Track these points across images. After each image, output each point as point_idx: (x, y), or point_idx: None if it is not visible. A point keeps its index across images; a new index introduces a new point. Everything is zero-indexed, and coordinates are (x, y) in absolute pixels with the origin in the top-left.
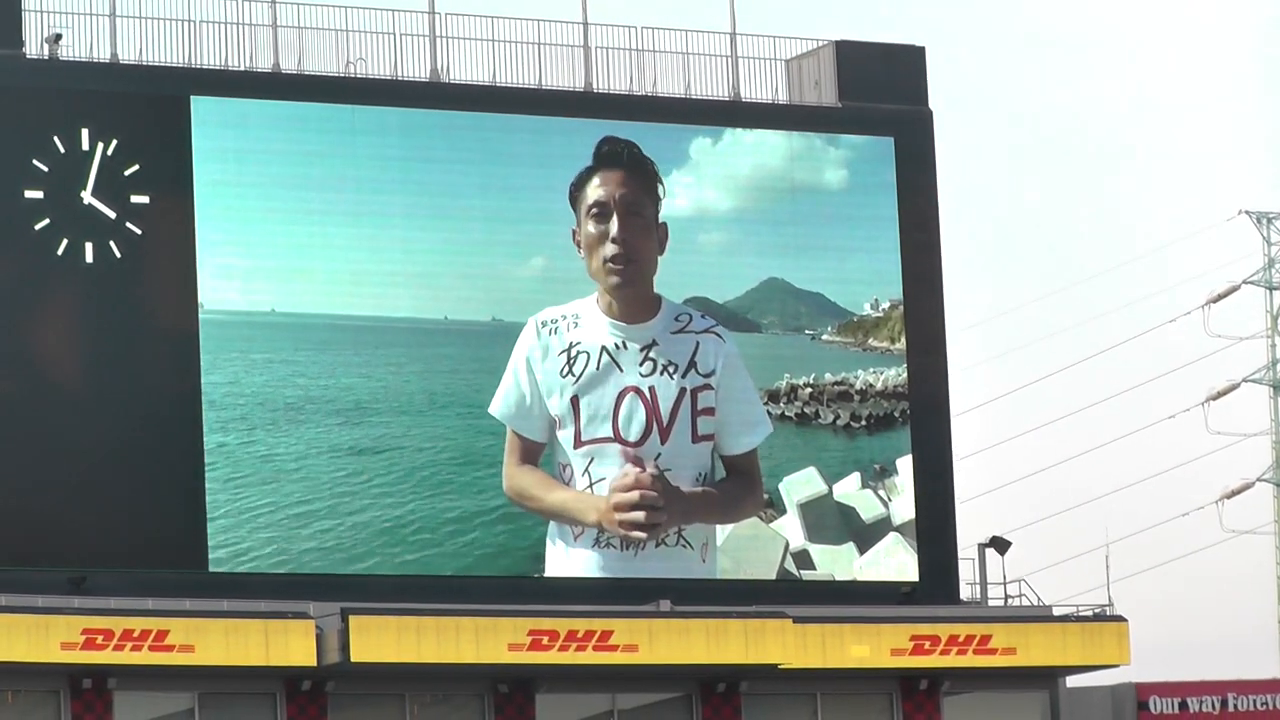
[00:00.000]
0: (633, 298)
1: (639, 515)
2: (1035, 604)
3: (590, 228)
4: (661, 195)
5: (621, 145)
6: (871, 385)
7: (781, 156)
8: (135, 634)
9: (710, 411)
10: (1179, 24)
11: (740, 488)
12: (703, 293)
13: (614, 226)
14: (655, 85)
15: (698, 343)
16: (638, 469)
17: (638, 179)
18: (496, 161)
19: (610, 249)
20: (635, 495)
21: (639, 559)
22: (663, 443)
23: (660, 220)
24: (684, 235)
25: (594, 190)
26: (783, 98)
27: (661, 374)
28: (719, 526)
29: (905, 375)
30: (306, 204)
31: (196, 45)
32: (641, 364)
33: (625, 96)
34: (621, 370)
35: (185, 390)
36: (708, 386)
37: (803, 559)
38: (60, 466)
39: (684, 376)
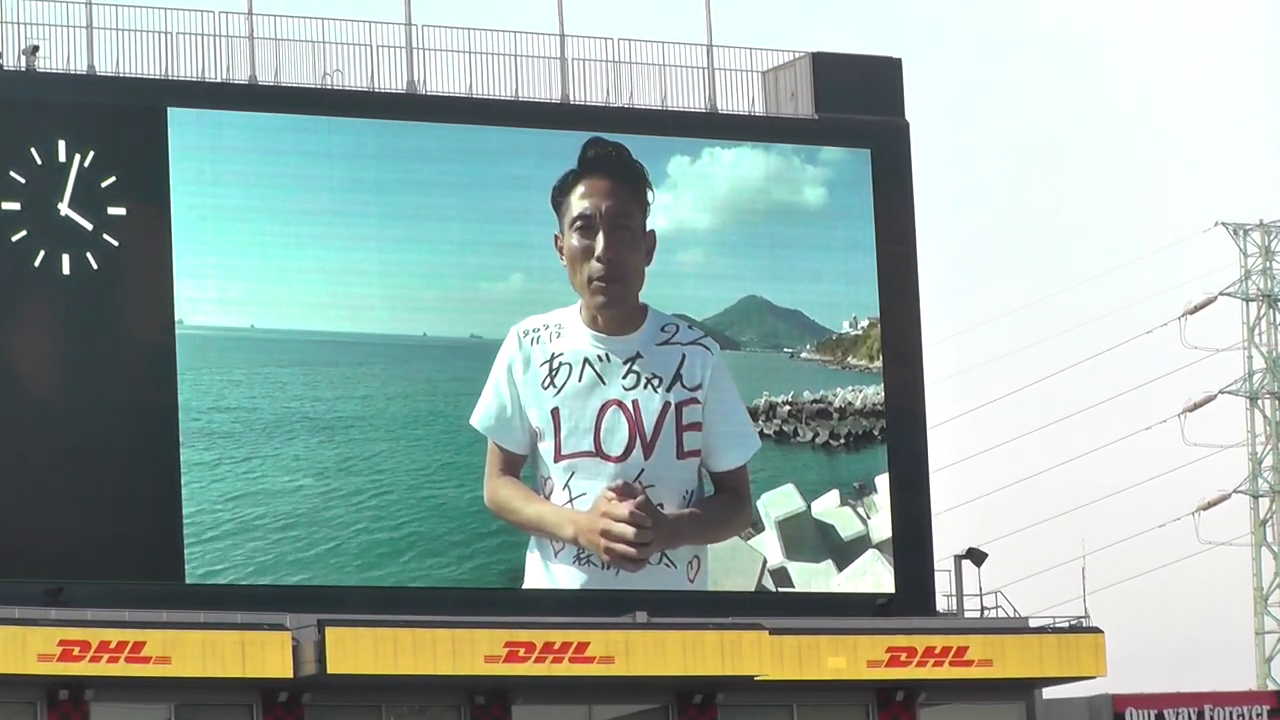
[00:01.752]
0: (617, 310)
1: (629, 550)
2: (1011, 615)
3: (574, 240)
4: (650, 201)
5: (610, 148)
6: (850, 403)
7: (759, 175)
8: (112, 645)
9: (697, 426)
10: (1156, 38)
11: (728, 505)
12: (681, 309)
13: (600, 244)
14: (632, 97)
15: (684, 354)
16: (630, 500)
17: (625, 187)
18: (473, 173)
19: (596, 268)
20: (630, 531)
21: (621, 576)
22: (645, 458)
23: (648, 228)
24: (663, 253)
25: (579, 201)
26: (759, 109)
27: (645, 387)
28: (710, 546)
29: (883, 393)
30: (284, 214)
31: (173, 57)
32: (625, 376)
33: (602, 108)
34: (604, 383)
35: (162, 403)
36: (694, 400)
37: (781, 576)
38: (37, 478)
39: (669, 390)
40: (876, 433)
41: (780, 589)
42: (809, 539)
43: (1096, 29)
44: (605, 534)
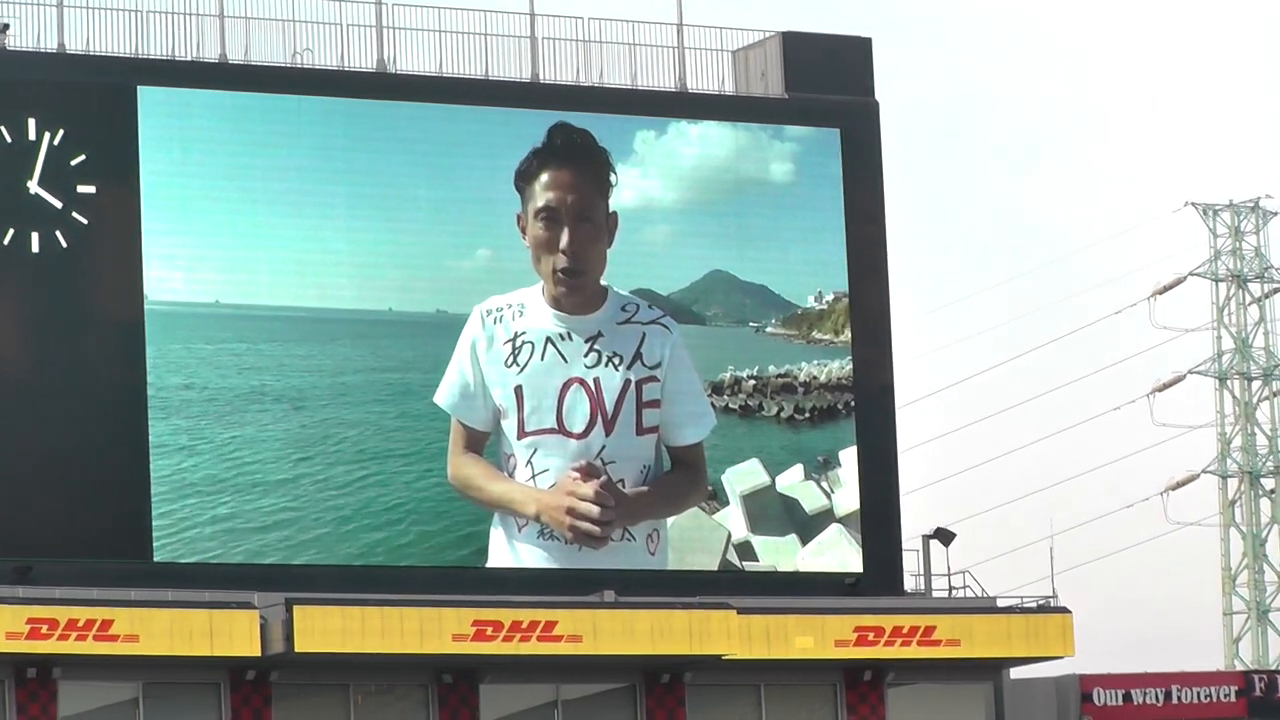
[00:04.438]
0: (579, 293)
1: (594, 529)
2: (979, 596)
3: (539, 230)
4: (613, 184)
5: (575, 135)
6: (815, 377)
7: (727, 149)
8: (80, 624)
9: (655, 404)
10: (1126, 20)
11: (685, 480)
12: (647, 285)
13: (564, 238)
14: (602, 76)
15: (644, 334)
16: (594, 480)
17: (588, 175)
18: (442, 152)
19: (560, 260)
20: (595, 510)
21: (584, 552)
22: (607, 435)
23: (611, 210)
24: (629, 228)
25: (543, 191)
26: (729, 89)
27: (606, 365)
28: (669, 519)
29: (849, 368)
30: (252, 194)
31: (143, 35)
32: (586, 355)
33: (572, 87)
34: (566, 361)
35: (130, 381)
36: (653, 379)
37: (745, 550)
38: (4, 456)
39: (629, 368)
40: (841, 407)
41: (745, 563)
42: (773, 513)
43: (1066, 10)
44: (571, 511)
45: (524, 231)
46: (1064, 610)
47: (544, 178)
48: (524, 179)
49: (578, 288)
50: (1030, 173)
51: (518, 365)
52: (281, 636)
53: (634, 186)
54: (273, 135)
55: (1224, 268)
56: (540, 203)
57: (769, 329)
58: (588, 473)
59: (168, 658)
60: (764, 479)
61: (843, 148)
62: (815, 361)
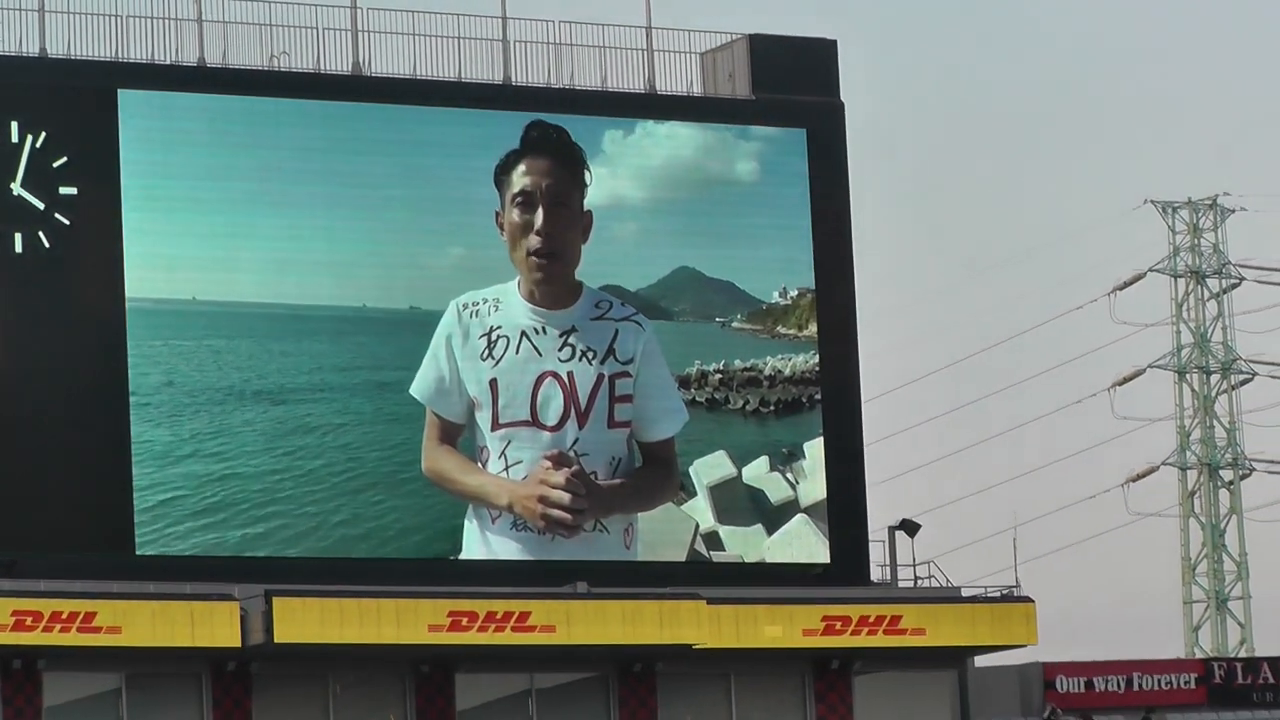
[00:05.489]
0: (554, 285)
1: (565, 517)
2: (944, 585)
3: (515, 216)
4: (587, 182)
5: (551, 130)
6: (780, 371)
7: (695, 149)
8: (64, 616)
9: (628, 399)
10: (1087, 18)
11: (657, 475)
12: (616, 281)
13: (539, 219)
14: (573, 78)
15: (617, 330)
16: (566, 468)
17: (565, 167)
18: (417, 153)
19: (534, 241)
20: (566, 498)
21: (556, 543)
22: (580, 428)
23: (585, 208)
24: (599, 225)
25: (520, 178)
26: (697, 90)
27: (580, 360)
28: (639, 514)
29: (813, 361)
30: (231, 195)
31: (124, 39)
32: (560, 349)
33: (543, 89)
34: (540, 355)
35: (112, 378)
36: (625, 374)
37: (712, 540)
38: None
39: (602, 363)
40: (805, 400)
41: (713, 552)
42: (740, 503)
43: (1027, 12)
44: (542, 500)
45: (502, 228)
46: (1027, 599)
47: (521, 166)
48: (502, 172)
49: (553, 274)
50: (992, 171)
51: (493, 358)
52: (261, 628)
53: (604, 185)
54: (250, 137)
55: (1183, 264)
56: (517, 188)
57: (735, 324)
58: (559, 461)
59: (150, 649)
60: (730, 470)
61: (808, 147)
62: (780, 356)
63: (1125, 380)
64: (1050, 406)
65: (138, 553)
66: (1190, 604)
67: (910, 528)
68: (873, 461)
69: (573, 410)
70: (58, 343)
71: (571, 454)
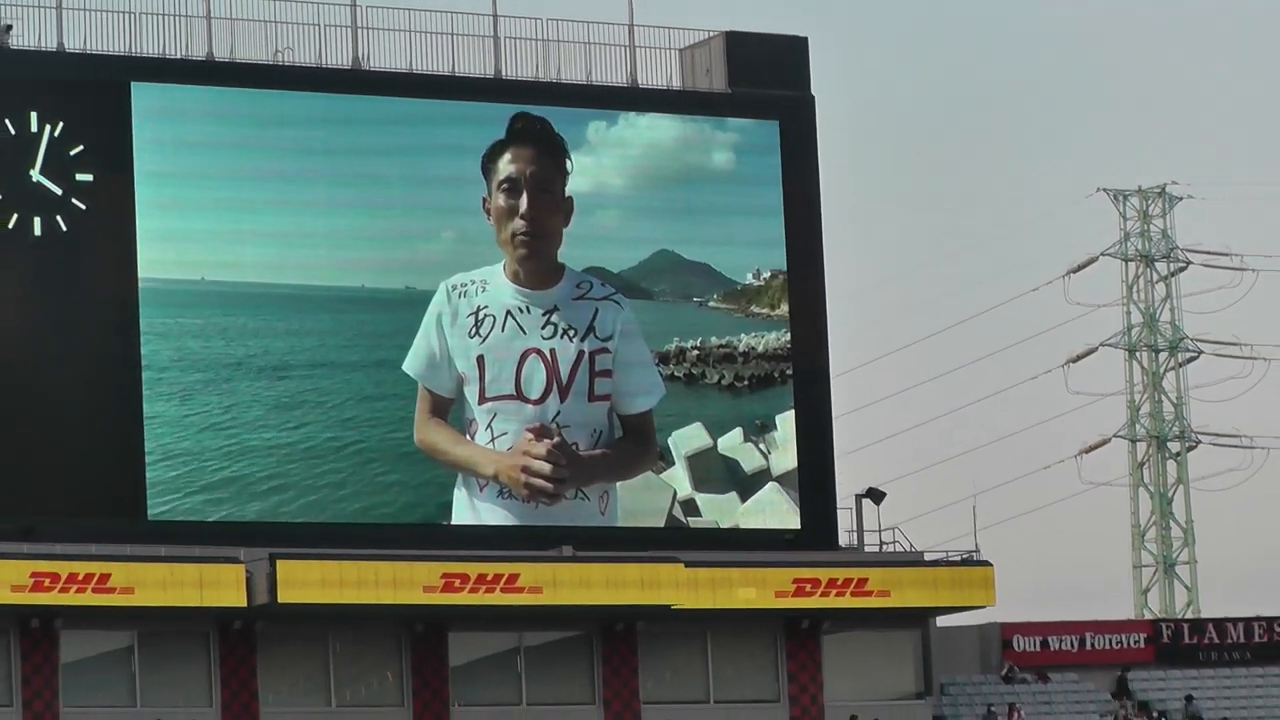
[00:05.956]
0: (537, 267)
1: (547, 485)
2: (908, 550)
3: (501, 201)
4: (569, 170)
5: (535, 122)
6: (753, 348)
7: (673, 139)
8: (80, 577)
9: (607, 374)
10: (1043, 20)
11: (636, 445)
12: (600, 263)
13: (524, 203)
14: (559, 72)
15: (597, 309)
16: (548, 439)
17: (548, 155)
18: (412, 143)
19: (519, 224)
20: (547, 468)
21: (541, 509)
22: (561, 401)
23: (567, 194)
24: (582, 212)
25: (506, 165)
26: (676, 84)
27: (562, 337)
28: (619, 483)
29: (784, 339)
30: (237, 182)
31: (136, 35)
32: (543, 328)
33: (531, 82)
34: (524, 333)
35: (125, 353)
36: (605, 350)
37: (690, 507)
38: (10, 424)
39: (583, 340)
40: (777, 375)
41: (690, 518)
42: (715, 472)
43: (986, 14)
44: (525, 470)
45: (488, 213)
46: (986, 564)
47: (507, 155)
48: (489, 160)
49: (536, 253)
50: (955, 162)
51: (480, 336)
52: (266, 589)
53: (587, 173)
54: (256, 127)
55: (1133, 248)
56: (502, 175)
57: (711, 304)
58: (541, 433)
59: (161, 608)
60: (707, 441)
61: (781, 138)
62: (754, 333)
63: (1079, 358)
64: (1008, 382)
65: (149, 518)
66: (1140, 568)
67: (876, 496)
68: (841, 433)
69: (555, 385)
70: (74, 320)
71: (553, 426)
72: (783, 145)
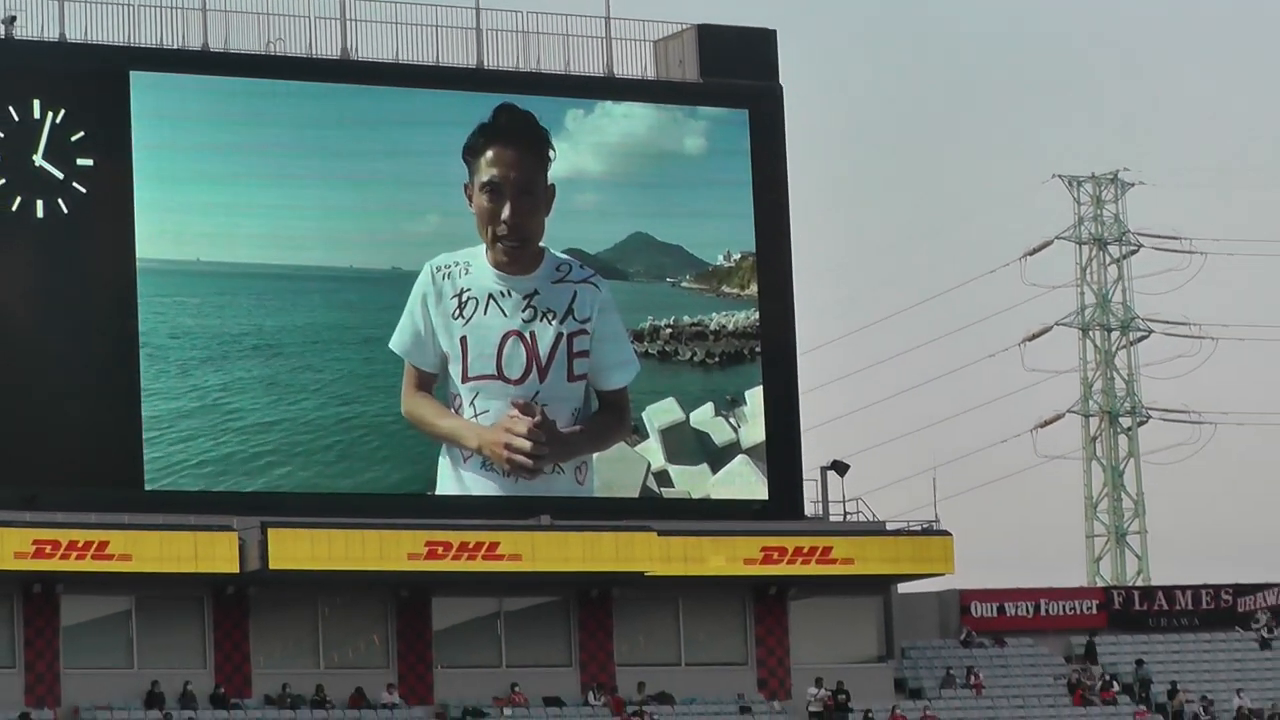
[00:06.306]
0: (518, 258)
1: (527, 462)
2: (871, 520)
3: (484, 201)
4: (551, 158)
5: (519, 115)
6: (724, 326)
7: (647, 126)
8: (80, 545)
9: (585, 354)
10: (999, 14)
11: (612, 418)
12: (577, 245)
13: (506, 210)
14: (538, 62)
15: (575, 292)
16: (529, 417)
17: (531, 152)
18: (398, 129)
19: (502, 229)
20: (528, 445)
21: (521, 482)
22: (541, 381)
23: (549, 183)
24: (561, 195)
25: (488, 166)
26: (651, 74)
27: (541, 320)
28: (595, 454)
29: (754, 318)
30: (232, 166)
31: (135, 26)
32: (524, 310)
33: (512, 72)
34: (506, 315)
35: (124, 331)
36: (583, 331)
37: (663, 478)
38: (13, 398)
39: (562, 322)
40: (746, 352)
41: (663, 489)
42: (687, 445)
43: (945, 8)
44: (507, 446)
45: (470, 200)
46: (945, 533)
47: (489, 154)
48: (471, 153)
49: (517, 253)
50: (916, 149)
51: (463, 318)
52: (257, 556)
53: (566, 159)
54: (249, 114)
55: (1086, 232)
56: (485, 177)
57: (684, 284)
58: (524, 410)
59: (157, 574)
60: (679, 415)
61: (750, 127)
62: (724, 312)
63: (1034, 336)
64: (967, 359)
65: (146, 488)
66: (1092, 538)
67: (840, 468)
68: (807, 408)
69: (534, 366)
70: (75, 299)
71: (535, 404)
72: (752, 133)
